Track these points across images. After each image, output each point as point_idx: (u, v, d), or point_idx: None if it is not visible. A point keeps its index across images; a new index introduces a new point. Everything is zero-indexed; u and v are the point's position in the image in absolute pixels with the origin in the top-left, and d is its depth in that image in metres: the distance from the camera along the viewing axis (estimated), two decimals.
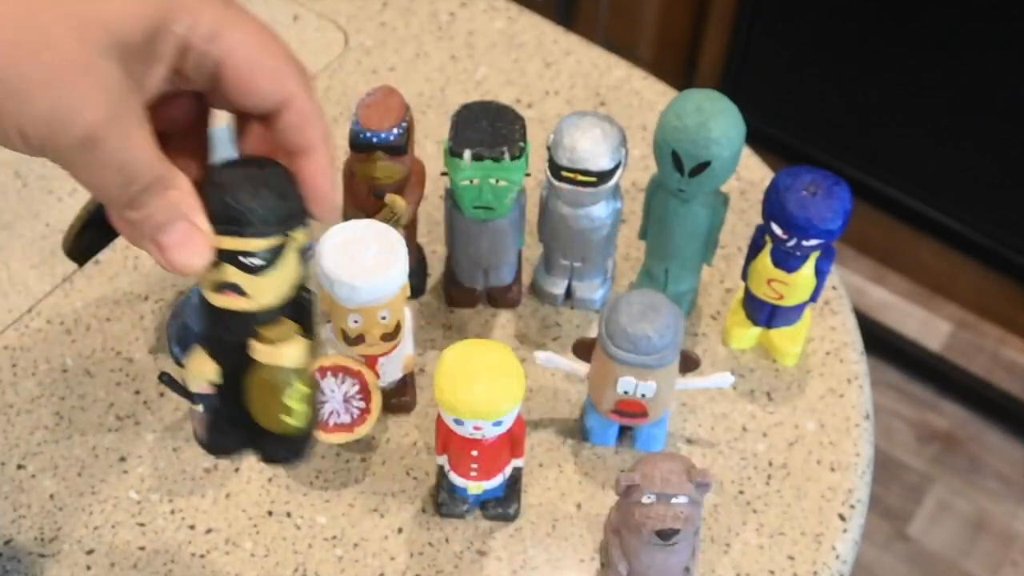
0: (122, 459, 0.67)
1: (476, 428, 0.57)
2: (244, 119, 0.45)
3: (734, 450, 0.68)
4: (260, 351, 0.45)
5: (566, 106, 0.85)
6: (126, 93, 0.38)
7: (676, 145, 0.63)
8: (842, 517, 0.66)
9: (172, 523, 0.65)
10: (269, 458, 0.48)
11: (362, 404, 0.63)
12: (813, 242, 0.63)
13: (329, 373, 0.63)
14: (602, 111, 0.84)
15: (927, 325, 1.62)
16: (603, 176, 0.65)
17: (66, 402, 0.69)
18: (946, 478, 1.50)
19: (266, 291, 0.44)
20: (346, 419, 0.63)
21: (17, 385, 0.70)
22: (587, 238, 0.69)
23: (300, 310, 0.46)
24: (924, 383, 1.58)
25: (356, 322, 0.60)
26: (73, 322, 0.73)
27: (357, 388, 0.63)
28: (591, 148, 0.64)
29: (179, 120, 0.45)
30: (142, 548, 0.64)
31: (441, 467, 0.64)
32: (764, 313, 0.70)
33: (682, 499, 0.55)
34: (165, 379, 0.63)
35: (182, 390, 0.63)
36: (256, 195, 0.42)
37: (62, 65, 0.36)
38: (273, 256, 0.43)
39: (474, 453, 0.60)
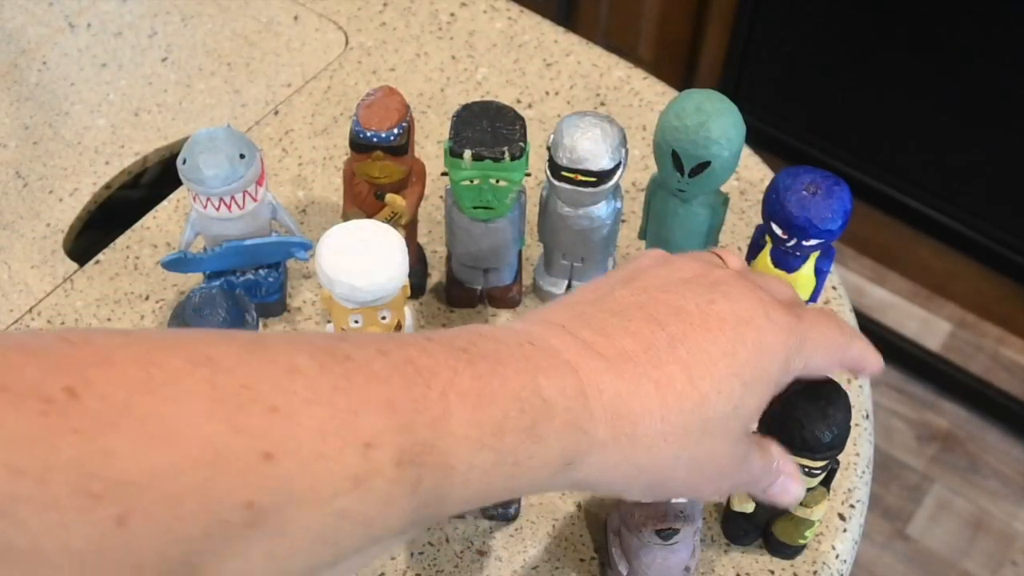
0: None
1: None
2: None
3: None
4: (796, 508, 0.60)
5: (566, 106, 0.85)
6: (750, 446, 0.48)
7: (676, 145, 0.63)
8: (842, 517, 0.66)
9: None
10: (774, 551, 0.64)
11: None
12: (813, 242, 0.63)
13: None
14: (602, 111, 0.84)
15: (927, 325, 1.62)
16: (603, 176, 0.65)
17: None
18: (945, 478, 1.50)
19: (813, 483, 0.58)
20: None
21: None
22: (587, 238, 0.69)
23: (829, 476, 0.59)
24: (924, 383, 1.58)
25: (356, 322, 0.60)
26: (74, 322, 0.73)
27: None
28: (591, 148, 0.64)
29: None
30: None
31: None
32: None
33: (682, 498, 0.55)
34: None
35: None
36: (827, 430, 0.55)
37: (722, 474, 0.47)
38: (827, 466, 0.57)
39: None
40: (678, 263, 0.49)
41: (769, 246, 0.66)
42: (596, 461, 0.42)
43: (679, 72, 1.64)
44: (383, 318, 0.60)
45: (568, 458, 0.41)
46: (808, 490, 0.59)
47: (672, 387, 0.43)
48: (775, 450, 0.50)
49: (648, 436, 0.43)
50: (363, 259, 0.58)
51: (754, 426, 0.48)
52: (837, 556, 0.65)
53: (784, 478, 0.51)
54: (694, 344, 0.44)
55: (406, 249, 0.60)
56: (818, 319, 0.49)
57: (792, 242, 0.64)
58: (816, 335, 0.48)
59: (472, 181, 0.65)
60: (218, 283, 0.69)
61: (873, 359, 0.51)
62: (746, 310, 0.46)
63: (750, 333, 0.45)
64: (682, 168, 0.64)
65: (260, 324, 0.63)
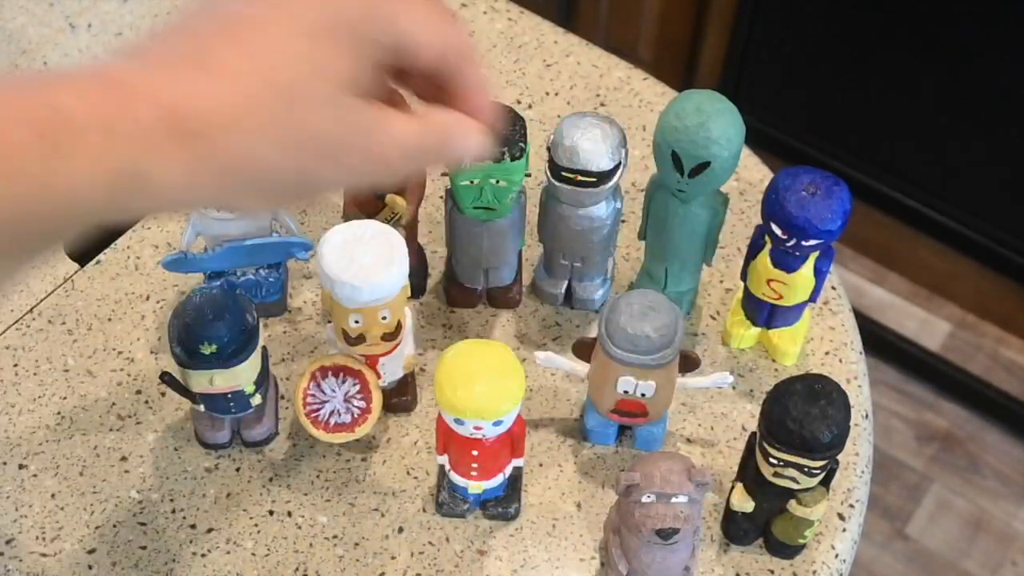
0: (123, 459, 0.67)
1: (476, 428, 0.57)
2: (410, 82, 0.50)
3: (734, 450, 0.68)
4: (796, 508, 0.61)
5: (566, 107, 0.85)
6: (370, 112, 0.43)
7: (676, 145, 0.63)
8: (841, 516, 0.66)
9: (173, 522, 0.65)
10: (774, 551, 0.64)
11: (363, 404, 0.63)
12: (812, 242, 0.63)
13: (330, 373, 0.63)
14: (602, 112, 0.84)
15: (926, 325, 1.62)
16: (603, 176, 0.65)
17: (67, 402, 0.69)
18: (945, 477, 1.51)
19: (813, 482, 0.59)
20: (347, 418, 0.63)
21: (19, 385, 0.70)
22: (587, 238, 0.69)
23: (828, 476, 0.59)
24: (923, 383, 1.58)
25: (357, 322, 0.60)
26: (75, 322, 0.73)
27: (358, 388, 0.63)
28: (591, 148, 0.64)
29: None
30: (143, 547, 0.64)
31: (442, 467, 0.64)
32: (763, 313, 0.70)
33: (682, 498, 0.56)
34: (166, 379, 0.63)
35: (183, 390, 0.63)
36: (826, 430, 0.55)
37: (331, 141, 0.42)
38: (826, 465, 0.58)
39: (474, 453, 0.60)
40: None
41: (769, 246, 0.66)
42: (164, 169, 0.38)
43: (679, 73, 1.64)
44: (383, 318, 0.61)
45: (121, 172, 0.38)
46: (807, 490, 0.59)
47: (226, 69, 0.40)
48: (432, 113, 0.46)
49: (215, 126, 0.39)
50: (364, 260, 0.58)
51: (365, 85, 0.43)
52: (836, 556, 0.65)
53: (455, 132, 0.47)
54: (249, 18, 0.41)
55: (406, 249, 0.60)
56: None
57: (792, 242, 0.64)
58: None
59: (472, 182, 0.65)
60: (219, 283, 0.69)
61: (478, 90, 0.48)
62: None
63: None
64: (682, 168, 0.64)
65: (261, 324, 0.63)
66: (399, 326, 0.62)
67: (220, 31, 0.40)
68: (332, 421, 0.63)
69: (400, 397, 0.68)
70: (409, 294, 0.63)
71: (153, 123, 0.38)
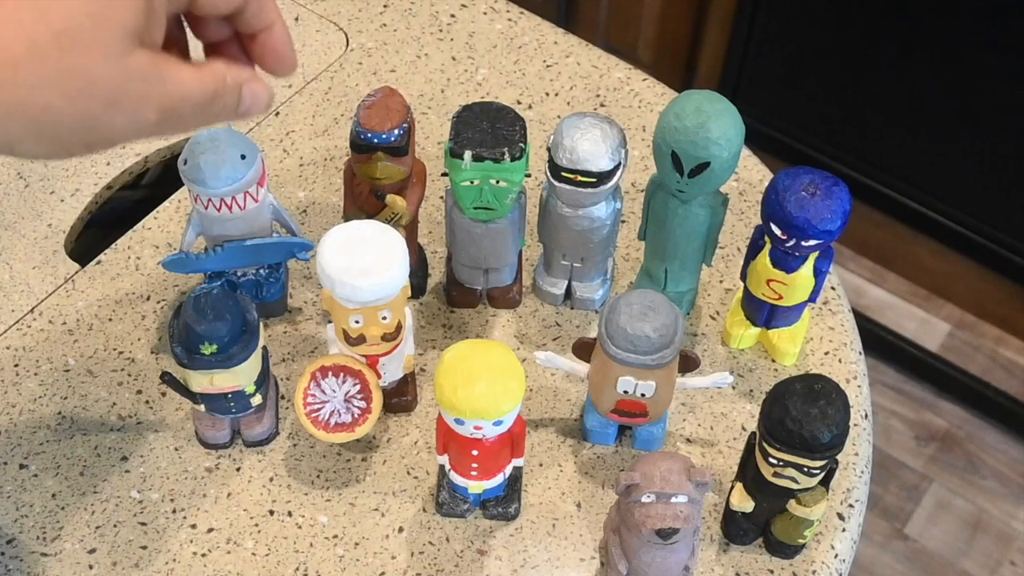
0: (124, 458, 0.67)
1: (477, 428, 0.58)
2: (203, 27, 0.52)
3: (734, 449, 0.69)
4: (795, 508, 0.61)
5: (566, 107, 0.85)
6: (156, 60, 0.44)
7: (676, 146, 0.63)
8: (841, 516, 0.66)
9: (174, 522, 0.65)
10: (773, 551, 0.64)
11: (363, 404, 0.63)
12: (812, 243, 0.64)
13: (330, 373, 0.63)
14: (602, 112, 0.84)
15: (925, 325, 1.62)
16: (603, 177, 0.65)
17: (68, 402, 0.69)
18: (944, 477, 1.51)
19: (813, 482, 0.59)
20: (347, 419, 0.63)
21: (19, 385, 0.70)
22: (587, 238, 0.69)
23: (828, 476, 0.59)
24: (922, 383, 1.58)
25: (357, 322, 0.61)
26: (75, 322, 0.73)
27: (358, 388, 0.63)
28: (591, 149, 0.64)
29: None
30: (144, 547, 0.64)
31: (442, 466, 0.64)
32: (763, 313, 0.70)
33: (682, 498, 0.56)
34: (167, 379, 0.63)
35: (184, 390, 0.64)
36: (826, 430, 0.55)
37: (113, 87, 0.43)
38: (826, 465, 0.58)
39: (474, 453, 0.60)
40: None
41: (768, 246, 0.67)
42: None
43: (679, 73, 1.64)
44: (383, 318, 0.61)
45: None
46: (807, 490, 0.60)
47: (8, 15, 0.41)
48: (220, 65, 0.48)
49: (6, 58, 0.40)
50: (364, 260, 0.58)
51: (153, 33, 0.45)
52: (836, 556, 0.65)
53: (247, 87, 0.49)
54: None
55: (407, 250, 0.60)
56: None
57: (791, 242, 0.64)
58: None
59: (472, 182, 0.65)
60: (219, 283, 0.69)
61: (280, 27, 0.50)
62: None
63: None
64: (682, 169, 0.64)
65: (261, 324, 0.63)
66: (399, 327, 0.62)
67: None
68: (332, 421, 0.63)
69: (400, 397, 0.68)
70: (409, 294, 0.63)
71: None
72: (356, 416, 0.64)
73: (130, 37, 0.43)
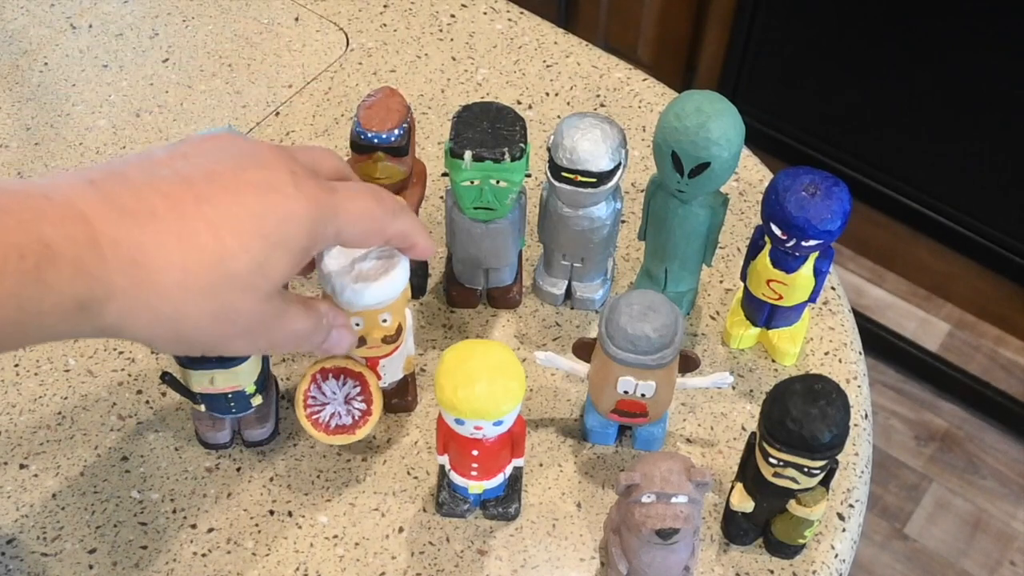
0: (124, 458, 0.67)
1: (477, 428, 0.58)
2: None
3: (734, 450, 0.69)
4: (795, 508, 0.61)
5: (566, 107, 0.85)
6: (284, 303, 0.53)
7: (676, 146, 0.63)
8: (841, 516, 0.66)
9: (174, 522, 0.65)
10: (773, 551, 0.65)
11: (363, 406, 0.63)
12: (812, 243, 0.64)
13: (330, 375, 0.63)
14: (602, 112, 0.84)
15: (925, 325, 1.62)
16: (603, 177, 0.65)
17: (68, 402, 0.69)
18: (944, 477, 1.51)
19: (813, 482, 0.59)
20: (347, 420, 0.63)
21: (19, 385, 0.70)
22: (587, 238, 0.70)
23: (828, 476, 0.60)
24: (922, 383, 1.58)
25: (357, 324, 0.61)
26: None
27: (358, 390, 0.63)
28: (591, 149, 0.64)
29: None
30: (144, 547, 0.64)
31: (442, 467, 0.64)
32: (763, 313, 0.70)
33: (682, 498, 0.56)
34: (167, 379, 0.63)
35: (184, 390, 0.64)
36: (826, 430, 0.56)
37: (252, 324, 0.51)
38: (826, 466, 0.58)
39: (475, 453, 0.60)
40: (227, 140, 0.51)
41: (768, 246, 0.67)
42: (116, 308, 0.46)
43: (679, 73, 1.64)
44: (384, 321, 0.61)
45: (82, 303, 0.45)
46: (807, 490, 0.60)
47: (195, 241, 0.47)
48: (324, 307, 0.56)
49: (168, 285, 0.46)
50: (364, 264, 0.58)
51: (281, 285, 0.51)
52: (836, 556, 0.65)
53: (336, 331, 0.57)
54: (222, 205, 0.47)
55: (405, 264, 0.60)
56: (355, 193, 0.53)
57: (791, 243, 0.64)
58: (351, 207, 0.52)
59: (472, 182, 0.65)
60: None
61: (422, 240, 0.57)
62: (276, 179, 0.49)
63: (277, 199, 0.49)
64: (682, 169, 0.64)
65: None
66: (400, 329, 0.62)
67: (202, 200, 0.47)
68: (333, 423, 0.63)
69: (401, 398, 0.68)
70: (410, 296, 0.63)
71: (118, 265, 0.45)
72: (356, 418, 0.63)
73: (278, 286, 0.50)
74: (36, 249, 0.43)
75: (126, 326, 0.47)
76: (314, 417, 0.63)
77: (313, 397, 0.63)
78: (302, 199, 0.49)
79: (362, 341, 0.61)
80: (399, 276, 0.59)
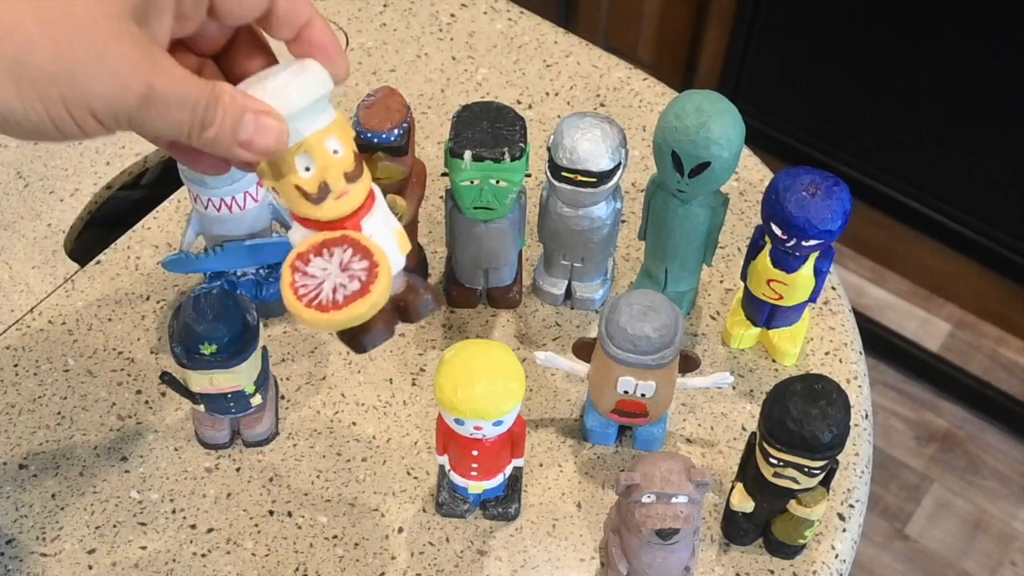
0: (124, 459, 0.67)
1: (477, 428, 0.57)
2: (231, 49, 0.49)
3: (734, 450, 0.68)
4: (796, 508, 0.61)
5: (566, 107, 0.85)
6: (153, 44, 0.42)
7: (676, 146, 0.63)
8: (841, 516, 0.66)
9: (173, 522, 0.65)
10: (774, 551, 0.65)
11: (364, 262, 0.49)
12: (812, 242, 0.63)
13: (311, 256, 0.49)
14: (602, 112, 0.84)
15: (926, 325, 1.62)
16: (603, 177, 0.65)
17: (68, 402, 0.69)
18: (945, 478, 1.51)
19: (813, 482, 0.59)
20: (355, 285, 0.48)
21: (19, 385, 0.70)
22: (587, 238, 0.69)
23: (828, 476, 0.60)
24: (923, 383, 1.58)
25: (308, 169, 0.48)
26: (75, 322, 0.73)
27: (350, 252, 0.49)
28: (591, 149, 0.64)
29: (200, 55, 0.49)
30: (143, 547, 0.64)
31: (442, 467, 0.64)
32: (764, 313, 0.70)
33: (682, 498, 0.56)
34: (166, 379, 0.63)
35: (183, 390, 0.63)
36: (826, 430, 0.56)
37: (101, 41, 0.40)
38: (826, 466, 0.58)
39: (474, 453, 0.60)
40: None
41: (769, 246, 0.66)
42: None
43: (679, 73, 1.64)
44: (334, 152, 0.48)
45: None
46: (807, 490, 0.60)
47: None
48: (226, 85, 0.44)
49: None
50: (277, 78, 0.47)
51: (153, 23, 0.43)
52: (836, 556, 0.65)
53: (249, 115, 0.44)
54: None
55: (319, 64, 0.48)
56: None
57: (791, 242, 0.64)
58: None
59: (472, 182, 0.65)
60: (219, 283, 0.69)
61: (328, 37, 0.47)
62: None
63: None
64: (682, 168, 0.64)
65: (261, 324, 0.63)
66: (358, 161, 0.49)
67: None
68: (340, 296, 0.48)
69: (412, 299, 0.53)
70: (352, 132, 0.51)
71: None
72: (364, 278, 0.48)
73: (127, 9, 0.41)
74: None
75: None
76: (315, 303, 0.48)
77: (303, 285, 0.48)
78: None
79: (325, 189, 0.48)
80: (317, 71, 0.47)
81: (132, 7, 0.41)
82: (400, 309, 0.52)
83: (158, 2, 0.43)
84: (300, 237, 0.50)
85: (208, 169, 0.49)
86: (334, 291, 0.48)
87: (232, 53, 0.49)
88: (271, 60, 0.49)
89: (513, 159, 0.64)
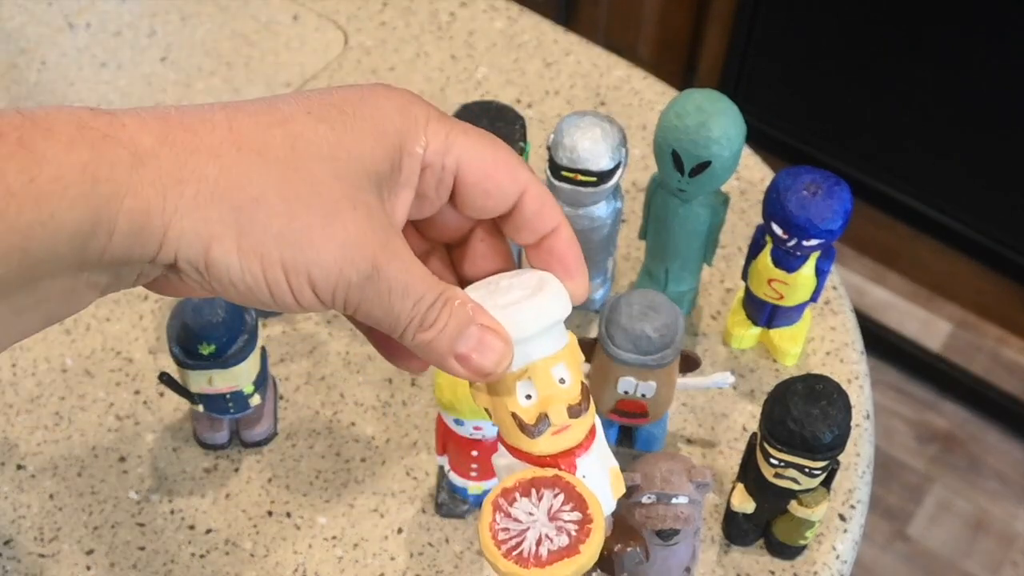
0: (122, 459, 0.67)
1: (476, 428, 0.57)
2: (464, 242, 0.46)
3: (734, 450, 0.68)
4: (796, 509, 0.61)
5: (566, 106, 0.85)
6: (389, 221, 0.39)
7: (676, 145, 0.63)
8: (842, 517, 0.66)
9: (172, 523, 0.64)
10: (774, 551, 0.65)
11: (577, 515, 0.43)
12: (813, 242, 0.63)
13: (516, 494, 0.44)
14: (602, 111, 0.84)
15: (927, 325, 1.62)
16: (603, 176, 0.65)
17: (66, 402, 0.69)
18: (946, 478, 1.50)
19: (814, 483, 0.59)
20: (563, 540, 0.43)
21: (17, 385, 0.70)
22: (587, 238, 0.69)
23: (829, 477, 0.60)
24: (924, 383, 1.58)
25: (529, 397, 0.43)
26: (73, 322, 0.73)
27: (562, 498, 0.44)
28: (591, 148, 0.64)
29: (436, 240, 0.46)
30: (142, 548, 0.64)
31: (441, 467, 0.64)
32: (764, 313, 0.70)
33: (682, 499, 0.55)
34: (165, 379, 0.63)
35: (182, 390, 0.63)
36: (827, 430, 0.56)
37: (333, 206, 0.37)
38: (827, 466, 0.58)
39: (474, 453, 0.60)
40: None
41: (770, 246, 0.66)
42: (144, 179, 0.34)
43: (679, 72, 1.64)
44: (561, 380, 0.44)
45: (95, 175, 0.33)
46: (808, 490, 0.59)
47: (241, 106, 0.37)
48: (460, 291, 0.41)
49: (212, 142, 0.36)
50: (507, 295, 0.44)
51: (394, 196, 0.40)
52: (837, 557, 0.64)
53: (479, 329, 0.40)
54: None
55: (560, 283, 0.44)
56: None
57: (792, 242, 0.64)
58: (466, 134, 0.42)
59: None
60: None
61: (573, 249, 0.43)
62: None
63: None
64: (682, 168, 0.64)
65: (260, 324, 0.63)
66: (586, 391, 0.44)
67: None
68: (544, 551, 0.43)
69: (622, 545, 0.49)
70: (582, 356, 0.46)
71: (140, 127, 0.35)
72: (574, 532, 0.43)
73: (369, 177, 0.38)
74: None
75: (157, 207, 0.35)
76: (515, 553, 0.43)
77: (505, 529, 0.43)
78: (394, 93, 0.40)
79: (544, 421, 0.43)
80: (556, 292, 0.43)
81: (374, 175, 0.38)
82: (602, 559, 0.45)
83: (401, 175, 0.40)
84: (505, 465, 0.46)
85: (410, 368, 0.45)
86: (538, 543, 0.43)
87: (466, 248, 0.45)
88: (508, 264, 0.45)
89: None
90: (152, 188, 0.35)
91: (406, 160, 0.40)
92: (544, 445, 0.43)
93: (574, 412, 0.43)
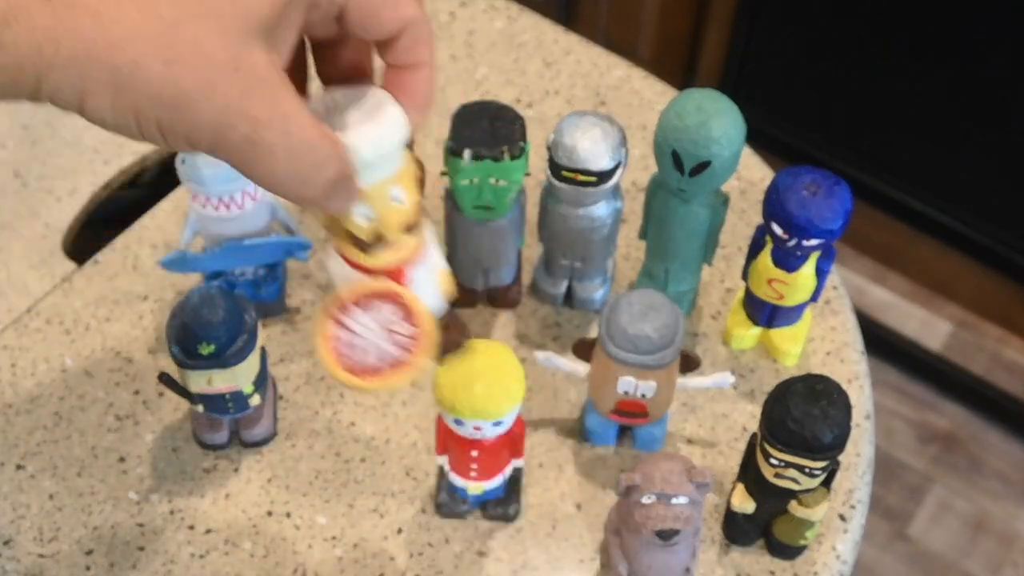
0: (121, 459, 0.67)
1: (476, 428, 0.57)
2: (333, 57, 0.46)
3: (734, 450, 0.68)
4: (796, 509, 0.61)
5: (566, 106, 0.85)
6: (276, 76, 0.38)
7: (676, 145, 0.63)
8: (843, 517, 0.66)
9: (171, 523, 0.64)
10: (775, 552, 0.64)
11: (410, 328, 0.46)
12: (813, 242, 0.63)
13: (352, 306, 0.47)
14: (602, 111, 0.84)
15: (927, 325, 1.62)
16: (603, 176, 0.65)
17: (65, 402, 0.69)
18: (946, 478, 1.50)
19: (814, 483, 0.59)
20: (396, 352, 0.46)
21: (16, 385, 0.70)
22: (587, 238, 0.69)
23: (830, 477, 0.59)
24: (924, 383, 1.58)
25: (367, 217, 0.46)
26: (72, 322, 0.72)
27: (399, 313, 0.47)
28: (591, 148, 0.64)
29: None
30: (141, 548, 0.64)
31: (441, 467, 0.64)
32: (764, 313, 0.70)
33: (682, 499, 0.55)
34: (164, 379, 0.63)
35: (181, 390, 0.63)
36: (827, 430, 0.56)
37: (215, 69, 0.37)
38: (827, 466, 0.58)
39: (474, 453, 0.60)
40: None
41: (770, 246, 0.66)
42: (17, 36, 0.34)
43: (679, 71, 1.64)
44: (396, 199, 0.46)
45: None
46: (808, 491, 0.59)
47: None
48: (343, 152, 0.41)
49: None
50: (347, 114, 0.45)
51: (281, 41, 0.39)
52: (838, 557, 0.64)
53: (348, 182, 0.41)
54: None
55: (399, 108, 0.45)
56: None
57: (793, 242, 0.64)
58: None
59: (472, 181, 0.65)
60: (217, 283, 0.69)
61: (425, 74, 0.44)
62: None
63: None
64: (682, 168, 0.64)
65: (260, 324, 0.63)
66: (418, 211, 0.47)
67: None
68: (378, 361, 0.46)
69: (452, 335, 0.53)
70: (421, 176, 0.49)
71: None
72: (408, 345, 0.46)
73: (255, 28, 0.37)
74: None
75: (37, 59, 0.35)
76: (351, 364, 0.46)
77: (341, 340, 0.46)
78: None
79: (379, 239, 0.46)
80: (395, 118, 0.44)
81: (262, 26, 0.38)
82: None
83: (288, 15, 0.39)
84: (339, 273, 0.48)
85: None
86: (372, 355, 0.46)
87: (332, 50, 0.45)
88: (365, 77, 0.46)
89: (513, 158, 0.64)
90: (25, 45, 0.35)
91: (293, 4, 0.39)
92: (378, 259, 0.46)
93: (408, 228, 0.46)
